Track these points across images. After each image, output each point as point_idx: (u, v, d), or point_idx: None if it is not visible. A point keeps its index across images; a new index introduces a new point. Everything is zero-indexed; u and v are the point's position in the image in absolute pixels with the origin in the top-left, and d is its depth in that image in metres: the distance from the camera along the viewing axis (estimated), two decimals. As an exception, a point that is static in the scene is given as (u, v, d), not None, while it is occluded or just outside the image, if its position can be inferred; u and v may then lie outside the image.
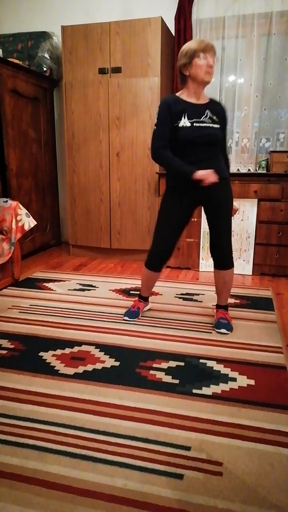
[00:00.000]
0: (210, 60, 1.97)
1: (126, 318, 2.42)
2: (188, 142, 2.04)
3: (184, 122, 2.03)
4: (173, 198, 2.17)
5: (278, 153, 3.33)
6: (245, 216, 3.33)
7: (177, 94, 2.12)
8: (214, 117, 2.07)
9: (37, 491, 1.19)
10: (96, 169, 3.68)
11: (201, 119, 2.05)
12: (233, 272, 2.29)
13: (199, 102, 2.08)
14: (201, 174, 1.99)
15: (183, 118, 2.03)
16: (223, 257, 2.23)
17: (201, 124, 2.04)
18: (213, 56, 1.99)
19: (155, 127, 2.08)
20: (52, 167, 4.18)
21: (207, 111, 2.07)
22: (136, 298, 2.56)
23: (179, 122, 2.03)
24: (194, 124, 2.03)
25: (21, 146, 3.60)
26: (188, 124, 2.03)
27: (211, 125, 2.05)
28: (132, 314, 2.43)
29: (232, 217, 2.23)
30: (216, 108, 2.12)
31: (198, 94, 2.07)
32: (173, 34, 3.60)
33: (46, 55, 3.81)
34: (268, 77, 3.48)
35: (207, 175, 1.99)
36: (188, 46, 1.99)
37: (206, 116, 2.06)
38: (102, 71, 3.46)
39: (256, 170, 3.63)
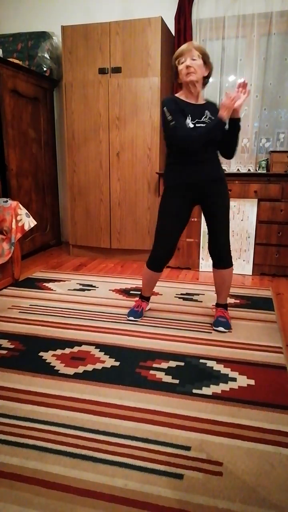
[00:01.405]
0: (187, 61, 2.00)
1: (131, 318, 2.41)
2: None
3: (188, 122, 2.04)
4: (172, 198, 2.18)
5: (278, 153, 3.33)
6: (245, 216, 3.33)
7: (176, 95, 2.14)
8: (213, 118, 2.08)
9: (37, 491, 1.19)
10: (96, 169, 3.68)
11: (202, 120, 2.07)
12: (232, 271, 2.30)
13: (198, 102, 2.10)
14: (227, 102, 1.94)
15: (187, 118, 2.05)
16: (221, 257, 2.24)
17: (202, 125, 2.06)
18: (192, 54, 2.00)
19: (172, 122, 2.01)
20: (52, 167, 4.18)
21: (206, 111, 2.09)
22: (138, 298, 2.57)
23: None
24: (196, 125, 2.05)
25: (21, 146, 3.60)
26: (191, 125, 2.04)
27: None
28: (137, 313, 2.44)
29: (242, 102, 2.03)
30: (213, 109, 2.12)
31: (195, 95, 2.09)
32: (173, 34, 3.60)
33: (46, 55, 3.81)
34: (268, 77, 3.48)
35: (233, 97, 1.94)
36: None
37: (206, 117, 2.08)
38: (102, 71, 3.46)
39: (256, 170, 3.63)
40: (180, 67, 2.02)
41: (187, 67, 1.99)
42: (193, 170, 2.11)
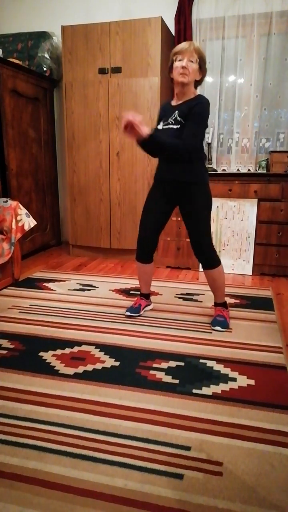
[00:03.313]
0: (184, 62, 2.01)
1: (128, 313, 2.45)
2: None
3: (160, 125, 2.17)
4: (155, 190, 2.28)
5: (278, 153, 3.33)
6: (245, 216, 3.33)
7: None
8: (179, 117, 2.09)
9: (37, 491, 1.19)
10: (96, 169, 3.68)
11: (168, 121, 2.13)
12: (220, 269, 2.30)
13: (177, 103, 2.14)
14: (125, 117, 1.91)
15: (162, 121, 2.17)
16: (205, 258, 2.27)
17: (166, 126, 2.13)
18: (191, 56, 2.00)
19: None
20: (52, 167, 4.18)
21: (176, 112, 2.11)
22: (138, 297, 2.58)
23: (158, 125, 2.18)
24: (163, 127, 2.14)
25: (21, 146, 3.60)
26: (160, 127, 2.16)
27: (171, 126, 2.11)
28: (134, 309, 2.46)
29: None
30: (187, 107, 2.05)
31: (180, 96, 2.14)
32: (173, 34, 3.60)
33: (46, 55, 3.81)
34: (268, 77, 3.48)
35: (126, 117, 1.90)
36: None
37: (173, 117, 2.12)
38: (102, 71, 3.46)
39: (256, 170, 3.63)
40: (177, 64, 2.04)
41: (183, 67, 2.01)
42: (166, 169, 2.20)
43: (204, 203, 2.20)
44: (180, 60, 2.02)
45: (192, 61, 2.01)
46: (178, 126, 2.08)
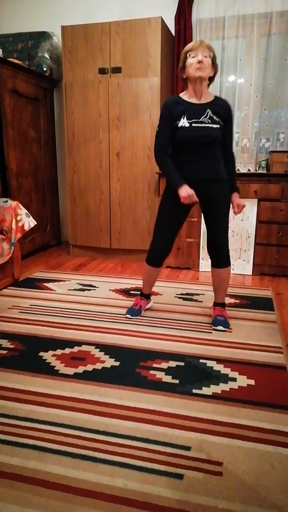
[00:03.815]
0: (199, 56, 1.99)
1: (128, 315, 2.43)
2: (185, 141, 2.08)
3: (184, 122, 2.06)
4: (171, 197, 2.20)
5: (278, 153, 3.33)
6: (245, 216, 3.33)
7: (180, 94, 2.15)
8: (215, 117, 2.07)
9: (37, 491, 1.19)
10: (96, 169, 3.68)
11: (200, 119, 2.06)
12: (229, 270, 2.33)
13: (201, 101, 2.09)
14: (183, 193, 2.06)
15: (182, 118, 2.06)
16: (219, 256, 2.27)
17: (199, 124, 2.05)
18: (204, 51, 2.00)
19: (157, 128, 2.14)
20: (52, 167, 4.18)
21: (207, 110, 2.07)
22: (138, 296, 2.57)
23: (179, 122, 2.06)
24: (193, 124, 2.05)
25: (21, 146, 3.60)
26: (187, 124, 2.05)
27: (210, 125, 2.06)
28: (134, 312, 2.45)
29: (238, 213, 2.27)
30: (219, 106, 2.10)
31: (199, 93, 2.08)
32: (173, 34, 3.60)
33: (46, 55, 3.81)
34: (268, 77, 3.48)
35: (186, 197, 2.05)
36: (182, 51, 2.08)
37: (206, 116, 2.07)
38: (102, 71, 3.46)
39: (256, 170, 3.63)
40: (191, 60, 2.01)
41: (199, 61, 1.99)
42: (189, 169, 2.14)
43: (228, 199, 2.23)
44: (194, 57, 2.00)
45: (206, 56, 2.00)
46: (218, 126, 2.07)
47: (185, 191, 2.05)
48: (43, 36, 3.81)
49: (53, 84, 4.04)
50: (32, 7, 4.08)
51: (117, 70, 3.42)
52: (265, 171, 3.47)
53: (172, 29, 3.62)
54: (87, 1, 3.93)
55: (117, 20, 3.64)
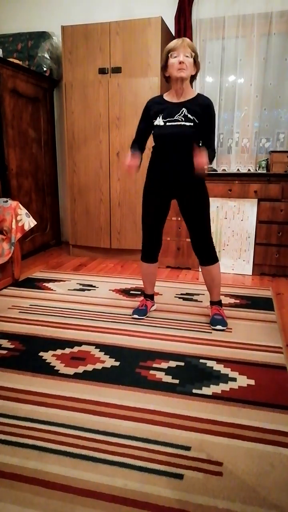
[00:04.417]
0: (180, 57, 2.02)
1: (136, 316, 2.43)
2: (160, 138, 2.17)
3: (159, 121, 2.16)
4: (151, 190, 2.30)
5: (278, 153, 3.33)
6: (245, 216, 3.33)
7: (164, 94, 2.22)
8: (189, 115, 2.09)
9: (37, 491, 1.19)
10: (96, 169, 3.68)
11: (174, 117, 2.11)
12: (218, 266, 2.34)
13: (179, 100, 2.14)
14: (126, 161, 2.20)
15: (159, 117, 2.15)
16: (204, 254, 2.30)
17: (173, 123, 2.11)
18: (185, 51, 2.02)
19: (137, 127, 2.30)
20: (52, 167, 4.18)
21: (183, 109, 2.11)
22: (142, 298, 2.58)
23: (155, 121, 2.16)
24: (167, 123, 2.12)
25: (21, 146, 3.60)
26: (162, 123, 2.15)
27: (183, 123, 2.09)
28: (141, 312, 2.45)
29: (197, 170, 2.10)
30: (198, 104, 2.11)
31: (180, 92, 2.13)
32: (173, 34, 3.60)
33: (46, 55, 3.81)
34: (268, 77, 3.48)
35: (125, 164, 2.22)
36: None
37: (180, 114, 2.11)
38: (102, 71, 3.46)
39: (256, 170, 3.63)
40: (173, 60, 2.04)
41: (180, 62, 2.02)
42: (169, 167, 2.20)
43: (206, 198, 2.24)
44: (175, 57, 2.03)
45: (187, 56, 2.03)
46: (192, 124, 2.09)
47: (128, 159, 2.17)
48: (43, 36, 3.81)
49: (53, 84, 4.04)
50: (32, 7, 4.08)
51: (117, 70, 3.42)
52: (265, 171, 3.47)
53: (172, 29, 3.62)
54: (87, 1, 3.93)
55: (117, 20, 3.63)
